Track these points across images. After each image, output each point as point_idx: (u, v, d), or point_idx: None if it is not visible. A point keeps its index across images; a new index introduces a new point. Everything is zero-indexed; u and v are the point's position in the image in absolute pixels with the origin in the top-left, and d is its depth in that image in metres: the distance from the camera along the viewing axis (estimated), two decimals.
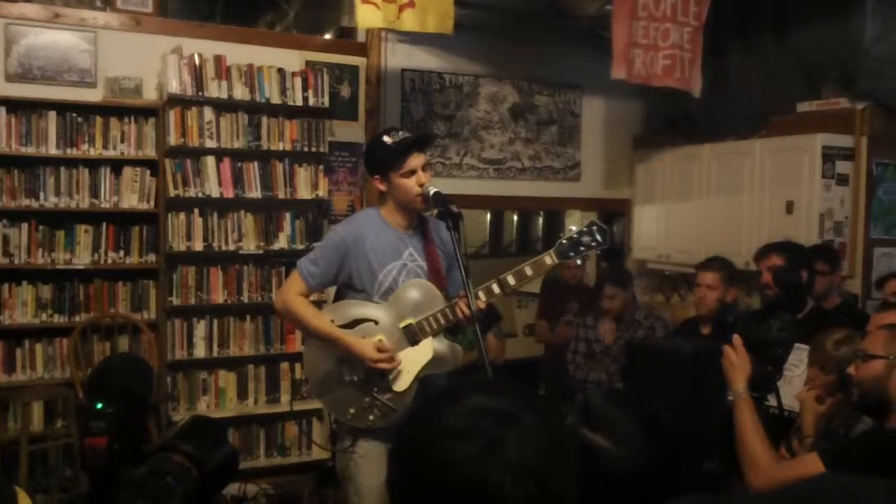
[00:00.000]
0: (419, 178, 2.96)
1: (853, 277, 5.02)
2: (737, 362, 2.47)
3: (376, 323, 2.98)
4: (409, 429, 1.06)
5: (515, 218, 8.28)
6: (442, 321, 2.95)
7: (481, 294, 2.91)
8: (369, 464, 2.99)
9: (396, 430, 1.08)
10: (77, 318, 4.74)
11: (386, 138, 3.00)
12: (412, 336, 2.97)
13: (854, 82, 5.07)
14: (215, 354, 5.06)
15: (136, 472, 1.18)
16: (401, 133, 3.01)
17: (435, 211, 3.05)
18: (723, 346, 2.54)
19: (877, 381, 2.24)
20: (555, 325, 5.56)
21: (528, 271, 2.95)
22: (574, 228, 2.98)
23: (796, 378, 3.09)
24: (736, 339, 2.51)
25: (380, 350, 2.91)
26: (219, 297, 5.02)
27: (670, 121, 6.32)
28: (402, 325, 2.97)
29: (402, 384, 2.97)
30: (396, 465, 1.03)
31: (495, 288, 2.93)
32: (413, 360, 2.97)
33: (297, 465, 5.18)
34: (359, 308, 3.01)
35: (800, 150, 5.04)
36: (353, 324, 2.98)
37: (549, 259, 2.95)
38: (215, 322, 5.06)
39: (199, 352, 5.02)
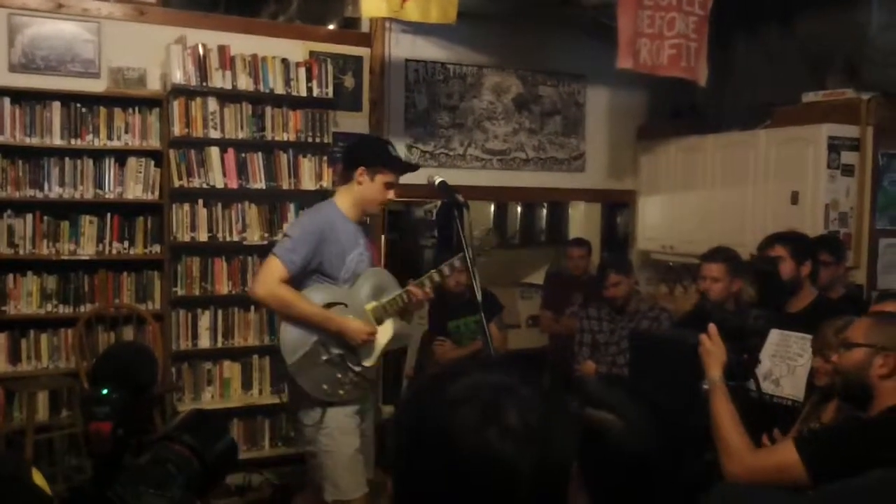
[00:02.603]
0: (391, 194, 3.38)
1: (858, 268, 5.01)
2: (712, 351, 2.52)
3: (346, 306, 3.32)
4: (411, 402, 1.07)
5: (519, 209, 8.26)
6: (400, 304, 3.38)
7: (426, 282, 3.38)
8: (345, 434, 3.32)
9: (400, 405, 1.10)
10: (82, 309, 4.75)
11: (391, 149, 3.42)
12: (377, 317, 3.37)
13: (859, 72, 5.05)
14: (220, 345, 5.07)
15: (138, 459, 1.20)
16: (395, 151, 3.44)
17: (438, 203, 3.28)
18: (699, 336, 2.59)
19: (858, 369, 2.23)
20: (559, 315, 5.56)
21: (457, 263, 3.39)
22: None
23: (800, 368, 3.09)
24: (711, 327, 2.56)
25: (367, 325, 3.31)
26: (223, 287, 5.03)
27: (675, 111, 6.31)
28: (369, 307, 3.37)
29: (371, 359, 3.39)
30: (398, 436, 1.04)
31: (435, 276, 3.39)
32: (380, 338, 3.40)
33: (301, 456, 5.15)
34: (328, 293, 3.32)
35: (805, 141, 5.02)
36: (325, 307, 3.30)
37: (458, 262, 3.37)
38: (220, 313, 5.06)
39: (204, 342, 5.03)
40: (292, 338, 3.28)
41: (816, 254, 3.61)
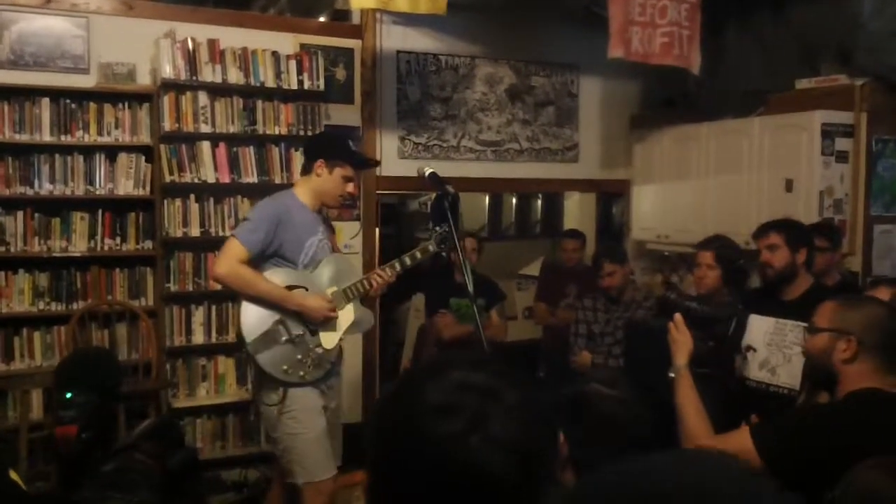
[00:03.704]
0: (350, 188, 3.47)
1: (853, 255, 5.00)
2: (678, 339, 2.54)
3: (306, 289, 3.38)
4: (391, 406, 1.03)
5: (514, 201, 8.24)
6: (361, 289, 3.47)
7: (388, 270, 3.48)
8: (308, 414, 3.37)
9: (377, 407, 1.06)
10: (74, 306, 4.72)
11: (351, 143, 3.60)
12: (338, 301, 3.43)
13: (853, 58, 5.03)
14: (214, 340, 5.05)
15: (104, 467, 1.19)
16: (355, 146, 3.60)
17: (432, 195, 3.30)
18: (667, 325, 2.62)
19: (822, 354, 2.23)
20: (554, 307, 5.54)
21: (418, 255, 3.49)
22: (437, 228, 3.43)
23: (796, 356, 3.08)
24: (677, 317, 2.60)
25: (329, 302, 3.38)
26: (216, 283, 5.00)
27: (668, 100, 6.29)
28: (330, 291, 3.43)
29: (330, 342, 3.44)
30: (378, 443, 1.00)
31: (397, 265, 3.48)
32: (340, 322, 3.47)
33: None
34: (289, 276, 3.38)
35: (799, 128, 5.01)
36: (286, 290, 3.36)
37: (431, 247, 3.45)
38: (213, 308, 5.04)
39: (198, 338, 5.01)
40: (252, 317, 3.33)
41: (811, 241, 3.59)
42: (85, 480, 1.15)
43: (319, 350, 3.41)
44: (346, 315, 3.49)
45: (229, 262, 3.28)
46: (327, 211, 3.72)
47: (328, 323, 3.42)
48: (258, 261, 3.34)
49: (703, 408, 2.34)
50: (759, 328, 3.39)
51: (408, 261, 3.50)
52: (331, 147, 3.55)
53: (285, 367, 3.33)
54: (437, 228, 3.37)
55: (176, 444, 1.28)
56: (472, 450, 0.93)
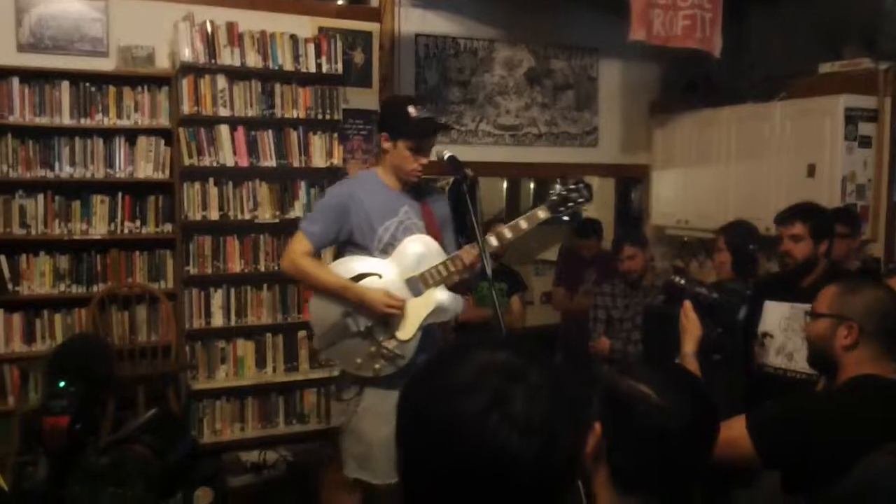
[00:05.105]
0: (421, 159, 3.11)
1: (875, 241, 4.95)
2: (687, 326, 2.53)
3: (380, 276, 3.12)
4: (417, 384, 1.05)
5: (532, 185, 8.21)
6: (444, 273, 3.10)
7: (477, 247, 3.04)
8: (374, 416, 3.11)
9: (407, 384, 1.07)
10: (95, 289, 4.76)
11: (411, 109, 3.10)
12: (415, 287, 3.13)
13: (876, 42, 4.96)
14: (233, 323, 5.07)
15: (99, 461, 1.18)
16: (425, 110, 3.14)
17: (450, 179, 3.14)
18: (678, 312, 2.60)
19: (822, 339, 2.19)
20: (572, 292, 5.53)
21: (524, 224, 3.09)
22: (559, 186, 3.12)
23: None
24: (686, 304, 2.58)
25: (388, 296, 3.05)
26: (235, 266, 5.02)
27: (689, 84, 6.23)
28: (406, 277, 3.12)
29: (406, 333, 3.12)
30: (404, 419, 1.02)
31: (493, 240, 3.10)
32: (417, 310, 3.13)
33: (316, 433, 5.19)
34: (361, 263, 3.15)
35: (822, 113, 4.95)
36: (357, 278, 3.12)
37: (542, 213, 3.09)
38: (232, 291, 5.06)
39: (217, 321, 5.03)
40: (320, 310, 3.21)
41: (833, 231, 3.52)
42: (75, 474, 1.14)
43: (394, 342, 3.11)
44: (425, 302, 3.13)
45: (290, 256, 3.18)
46: (433, 184, 3.33)
47: (398, 314, 3.10)
48: (338, 247, 3.22)
49: (735, 395, 2.31)
50: (775, 314, 3.36)
51: (507, 233, 3.10)
52: (389, 117, 3.20)
53: (358, 361, 3.13)
54: (556, 193, 3.08)
55: (177, 436, 1.26)
56: (490, 428, 0.93)
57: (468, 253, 3.05)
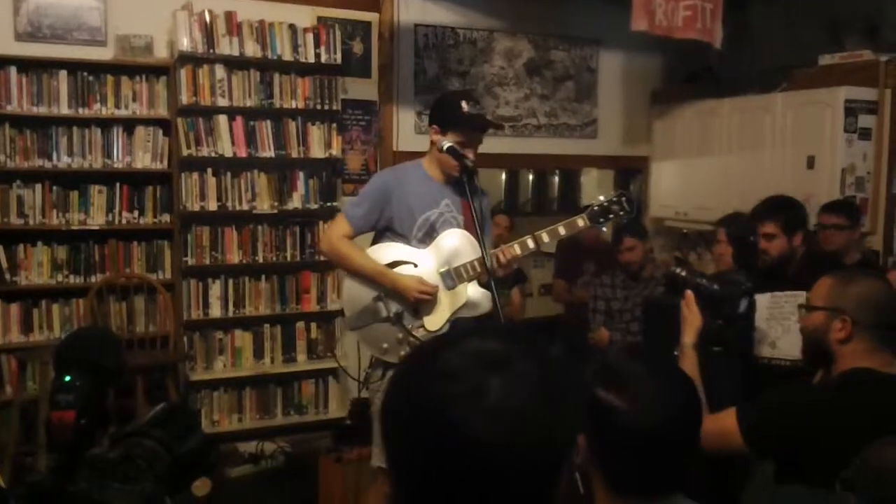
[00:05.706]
0: (469, 154, 3.11)
1: (874, 234, 4.94)
2: (688, 317, 2.51)
3: (415, 265, 3.16)
4: (407, 366, 1.05)
5: (531, 177, 8.19)
6: (478, 269, 3.11)
7: (517, 247, 3.10)
8: None
9: (397, 370, 1.07)
10: (93, 279, 4.75)
11: (464, 104, 3.13)
12: (449, 280, 3.16)
13: (878, 33, 4.94)
14: (231, 314, 5.07)
15: (107, 454, 1.17)
16: (477, 107, 3.17)
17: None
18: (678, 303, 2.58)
19: (817, 331, 2.17)
20: (572, 284, 5.52)
21: (562, 231, 3.13)
22: (603, 198, 3.18)
23: (793, 325, 3.03)
24: (688, 294, 2.56)
25: (421, 282, 3.10)
26: (234, 257, 5.02)
27: (690, 75, 6.21)
28: (441, 269, 3.16)
29: (435, 323, 3.16)
30: (391, 398, 1.02)
31: (530, 242, 3.10)
32: (448, 303, 3.17)
33: (313, 424, 5.20)
34: (399, 250, 3.19)
35: (822, 104, 4.93)
36: (392, 265, 3.16)
37: (581, 221, 3.14)
38: (230, 282, 5.06)
39: (215, 312, 5.02)
40: (352, 292, 3.23)
41: (807, 222, 3.57)
42: (82, 469, 1.12)
43: (422, 331, 3.15)
44: (458, 295, 3.17)
45: (328, 237, 3.27)
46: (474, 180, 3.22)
47: (429, 304, 3.15)
48: (377, 233, 3.25)
49: (706, 388, 2.30)
50: (761, 306, 3.36)
51: (545, 237, 3.13)
52: (442, 111, 3.21)
53: (385, 346, 3.15)
54: (598, 203, 3.13)
55: (189, 430, 1.25)
56: (459, 412, 0.92)
57: (505, 251, 3.08)
